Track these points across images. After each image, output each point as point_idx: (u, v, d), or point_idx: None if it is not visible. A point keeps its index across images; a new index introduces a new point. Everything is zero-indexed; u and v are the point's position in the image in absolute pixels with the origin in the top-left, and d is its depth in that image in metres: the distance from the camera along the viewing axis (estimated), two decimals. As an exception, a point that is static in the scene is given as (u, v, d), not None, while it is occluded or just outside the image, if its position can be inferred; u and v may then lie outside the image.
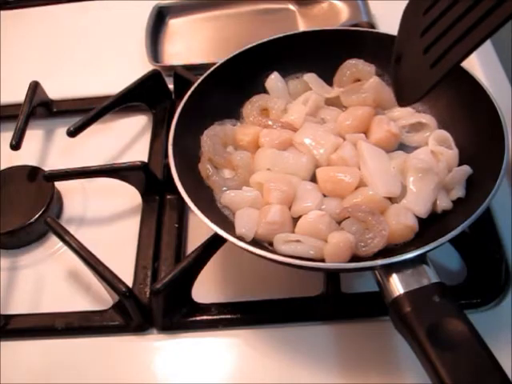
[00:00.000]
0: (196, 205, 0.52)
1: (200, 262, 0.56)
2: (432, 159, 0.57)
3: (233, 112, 0.65)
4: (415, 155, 0.57)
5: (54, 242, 0.66)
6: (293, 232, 0.53)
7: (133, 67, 0.81)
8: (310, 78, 0.66)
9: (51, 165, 0.72)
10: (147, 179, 0.66)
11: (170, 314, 0.57)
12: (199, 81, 0.64)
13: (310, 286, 0.57)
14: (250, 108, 0.64)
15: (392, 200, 0.55)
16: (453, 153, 0.58)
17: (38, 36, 0.93)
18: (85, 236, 0.60)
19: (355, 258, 0.51)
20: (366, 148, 0.57)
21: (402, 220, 0.52)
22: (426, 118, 0.61)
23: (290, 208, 0.55)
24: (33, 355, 0.57)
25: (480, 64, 0.75)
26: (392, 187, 0.54)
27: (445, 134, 0.59)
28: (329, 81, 0.66)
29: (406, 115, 0.62)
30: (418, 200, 0.54)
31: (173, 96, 0.77)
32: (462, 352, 0.41)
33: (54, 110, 0.80)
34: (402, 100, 0.53)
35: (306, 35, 0.68)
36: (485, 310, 0.55)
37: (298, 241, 0.52)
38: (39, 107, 0.78)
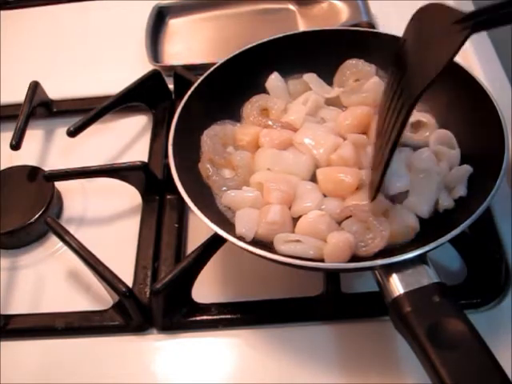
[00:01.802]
0: (196, 205, 0.52)
1: (200, 262, 0.56)
2: (434, 159, 0.57)
3: (233, 112, 0.65)
4: (417, 155, 0.57)
5: (53, 242, 0.66)
6: (293, 232, 0.53)
7: (133, 67, 0.81)
8: (310, 77, 0.66)
9: (51, 165, 0.72)
10: (147, 179, 0.66)
11: (170, 313, 0.57)
12: (199, 81, 0.64)
13: (310, 286, 0.57)
14: (250, 108, 0.64)
15: (394, 200, 0.55)
16: (455, 153, 0.58)
17: (38, 36, 0.93)
18: (85, 236, 0.60)
19: (355, 257, 0.51)
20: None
21: (402, 220, 0.52)
22: (426, 118, 0.61)
23: (290, 208, 0.55)
24: (33, 355, 0.57)
25: (480, 64, 0.76)
26: (401, 183, 0.54)
27: (448, 134, 0.59)
28: (329, 81, 0.66)
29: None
30: (421, 200, 0.54)
31: (173, 96, 0.77)
32: (462, 352, 0.41)
33: (54, 109, 0.80)
34: None
35: (306, 35, 0.68)
36: (485, 310, 0.55)
37: (298, 241, 0.52)
38: (39, 107, 0.78)
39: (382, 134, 0.50)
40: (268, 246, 0.53)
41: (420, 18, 0.51)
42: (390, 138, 0.48)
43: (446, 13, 0.46)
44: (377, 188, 0.50)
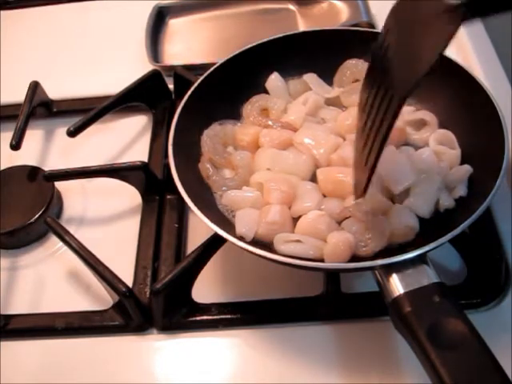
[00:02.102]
0: (196, 205, 0.52)
1: (200, 262, 0.56)
2: (434, 159, 0.57)
3: (233, 112, 0.65)
4: (417, 155, 0.57)
5: (53, 242, 0.66)
6: (293, 232, 0.53)
7: (133, 67, 0.81)
8: (310, 77, 0.66)
9: (51, 165, 0.72)
10: (147, 179, 0.66)
11: (170, 313, 0.57)
12: (199, 81, 0.64)
13: (310, 286, 0.57)
14: (250, 108, 0.64)
15: (395, 200, 0.55)
16: (455, 153, 0.58)
17: (38, 36, 0.93)
18: (85, 236, 0.60)
19: (355, 257, 0.51)
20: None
21: (403, 220, 0.52)
22: (429, 116, 0.61)
23: (290, 208, 0.55)
24: (33, 355, 0.57)
25: (480, 64, 0.76)
26: (406, 180, 0.55)
27: (448, 134, 0.59)
28: (329, 81, 0.66)
29: (407, 113, 0.62)
30: (422, 201, 0.54)
31: (173, 96, 0.77)
32: (462, 352, 0.41)
33: (54, 109, 0.80)
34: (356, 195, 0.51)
35: (306, 35, 0.68)
36: (485, 310, 0.55)
37: (298, 241, 0.52)
38: (39, 107, 0.78)
39: (366, 131, 0.48)
40: (268, 245, 0.53)
41: (404, 7, 0.48)
42: (378, 134, 0.45)
43: (432, 1, 0.44)
44: (364, 188, 0.48)
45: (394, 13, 0.49)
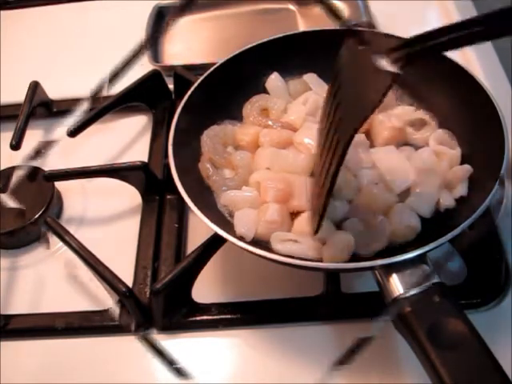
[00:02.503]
0: (196, 205, 0.52)
1: (200, 262, 0.56)
2: (434, 159, 0.57)
3: (233, 112, 0.65)
4: (418, 155, 0.57)
5: (53, 242, 0.66)
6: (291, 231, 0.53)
7: (133, 67, 0.81)
8: (310, 77, 0.66)
9: (51, 165, 0.72)
10: (147, 179, 0.66)
11: (170, 313, 0.57)
12: (199, 81, 0.64)
13: (310, 286, 0.57)
14: (250, 108, 0.64)
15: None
16: (455, 152, 0.58)
17: (38, 36, 0.93)
18: (85, 236, 0.60)
19: (355, 257, 0.51)
20: (376, 152, 0.57)
21: (404, 220, 0.52)
22: (428, 116, 0.61)
23: (287, 205, 0.55)
24: (33, 355, 0.57)
25: (480, 64, 0.75)
26: (407, 179, 0.55)
27: (448, 134, 0.59)
28: (329, 81, 0.66)
29: (407, 112, 0.62)
30: (423, 200, 0.54)
31: (173, 96, 0.77)
32: (462, 352, 0.41)
33: (54, 110, 0.80)
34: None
35: (306, 35, 0.68)
36: (485, 310, 0.55)
37: (295, 240, 0.52)
38: (39, 107, 0.78)
39: (324, 154, 0.48)
40: (268, 245, 0.53)
41: (354, 45, 0.49)
42: (327, 176, 0.46)
43: (379, 40, 0.45)
44: (318, 223, 0.48)
45: (347, 48, 0.50)
